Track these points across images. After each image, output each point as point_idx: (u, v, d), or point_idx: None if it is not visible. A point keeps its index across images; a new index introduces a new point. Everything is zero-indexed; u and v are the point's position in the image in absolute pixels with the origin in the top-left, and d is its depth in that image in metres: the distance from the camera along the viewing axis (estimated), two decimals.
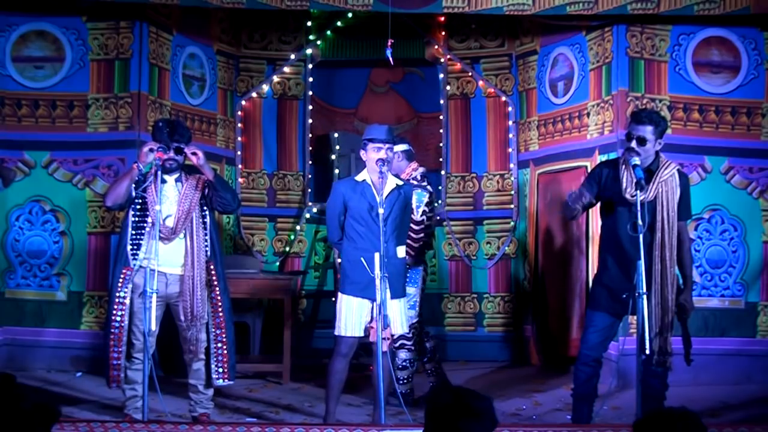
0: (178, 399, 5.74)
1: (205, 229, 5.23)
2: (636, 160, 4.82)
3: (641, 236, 4.62)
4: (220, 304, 5.26)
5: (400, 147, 5.89)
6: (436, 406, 2.57)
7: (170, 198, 5.17)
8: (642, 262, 4.59)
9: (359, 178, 5.19)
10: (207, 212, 5.27)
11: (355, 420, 5.45)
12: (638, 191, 4.72)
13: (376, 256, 4.79)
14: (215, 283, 5.26)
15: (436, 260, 8.21)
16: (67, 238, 6.96)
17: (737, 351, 6.72)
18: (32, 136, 6.98)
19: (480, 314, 8.09)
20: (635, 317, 4.79)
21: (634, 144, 4.85)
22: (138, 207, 5.17)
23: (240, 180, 8.15)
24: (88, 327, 6.89)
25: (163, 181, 5.13)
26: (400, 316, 5.09)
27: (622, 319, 5.13)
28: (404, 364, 5.87)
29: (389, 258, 4.92)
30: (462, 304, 8.15)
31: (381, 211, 4.92)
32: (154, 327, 4.90)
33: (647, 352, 4.57)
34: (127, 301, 5.14)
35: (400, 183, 5.17)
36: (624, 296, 4.77)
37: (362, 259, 4.97)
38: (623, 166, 4.94)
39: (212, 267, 5.25)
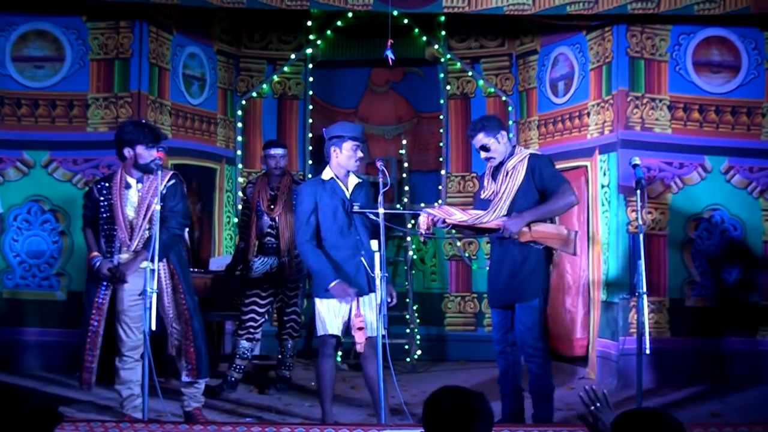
0: (177, 399, 5.73)
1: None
2: (636, 160, 4.82)
3: (641, 235, 4.61)
4: (183, 303, 5.19)
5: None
6: (438, 411, 2.53)
7: (135, 203, 5.16)
8: (642, 262, 4.57)
9: (325, 176, 5.17)
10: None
11: (355, 420, 5.45)
12: (638, 191, 4.72)
13: (376, 256, 4.80)
14: (178, 283, 5.20)
15: (437, 260, 8.21)
16: (66, 237, 6.95)
17: (737, 351, 6.71)
18: (32, 135, 6.98)
19: (480, 314, 8.08)
20: (635, 316, 4.78)
21: (482, 155, 5.11)
22: (105, 212, 5.15)
23: (240, 180, 8.15)
24: None
25: (128, 186, 5.14)
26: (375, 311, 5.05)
27: (514, 307, 5.10)
28: (246, 354, 6.36)
29: (365, 251, 4.99)
30: (462, 304, 8.15)
31: (381, 210, 4.93)
32: (153, 327, 4.89)
33: (647, 351, 4.56)
34: (105, 307, 5.12)
35: (361, 179, 5.23)
36: (626, 296, 4.79)
37: (362, 259, 4.98)
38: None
39: (172, 267, 5.19)
